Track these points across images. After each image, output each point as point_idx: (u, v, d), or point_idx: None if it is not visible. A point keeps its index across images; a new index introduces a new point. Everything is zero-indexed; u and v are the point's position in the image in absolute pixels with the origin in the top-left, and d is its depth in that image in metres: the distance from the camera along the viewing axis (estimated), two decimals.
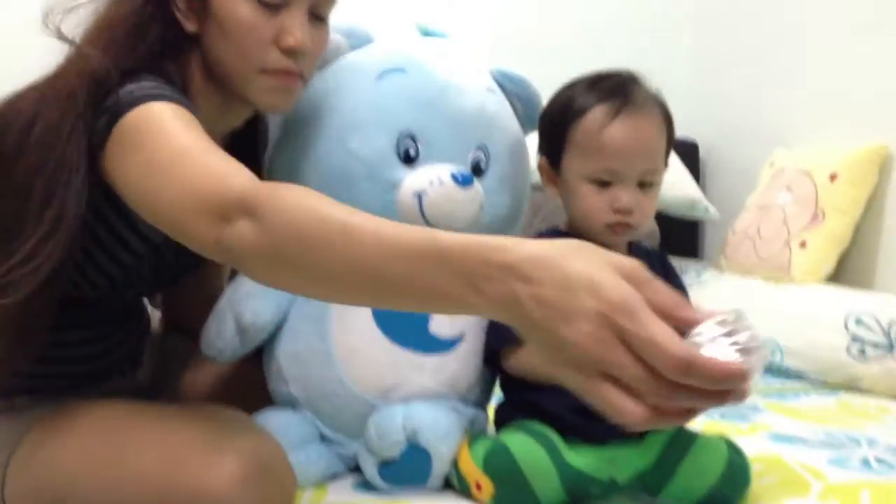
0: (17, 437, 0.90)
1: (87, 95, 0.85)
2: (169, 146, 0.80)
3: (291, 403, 1.07)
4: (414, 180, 1.06)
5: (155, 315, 1.25)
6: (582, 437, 1.01)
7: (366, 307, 1.02)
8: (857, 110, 2.16)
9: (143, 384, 1.13)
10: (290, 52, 0.96)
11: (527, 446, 0.98)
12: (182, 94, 0.91)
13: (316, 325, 1.06)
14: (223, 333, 1.05)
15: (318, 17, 0.99)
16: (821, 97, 2.28)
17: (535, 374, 1.02)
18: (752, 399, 1.66)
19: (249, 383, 1.11)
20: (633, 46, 2.46)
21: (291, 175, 1.10)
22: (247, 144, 1.11)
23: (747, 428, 1.46)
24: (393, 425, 1.00)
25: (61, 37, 0.91)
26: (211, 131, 0.86)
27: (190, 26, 0.95)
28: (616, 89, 1.06)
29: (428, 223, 1.05)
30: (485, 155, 1.12)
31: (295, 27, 0.95)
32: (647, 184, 1.06)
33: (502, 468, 0.96)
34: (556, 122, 1.09)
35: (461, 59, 1.17)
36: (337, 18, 1.06)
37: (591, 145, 1.05)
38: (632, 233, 1.07)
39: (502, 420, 1.09)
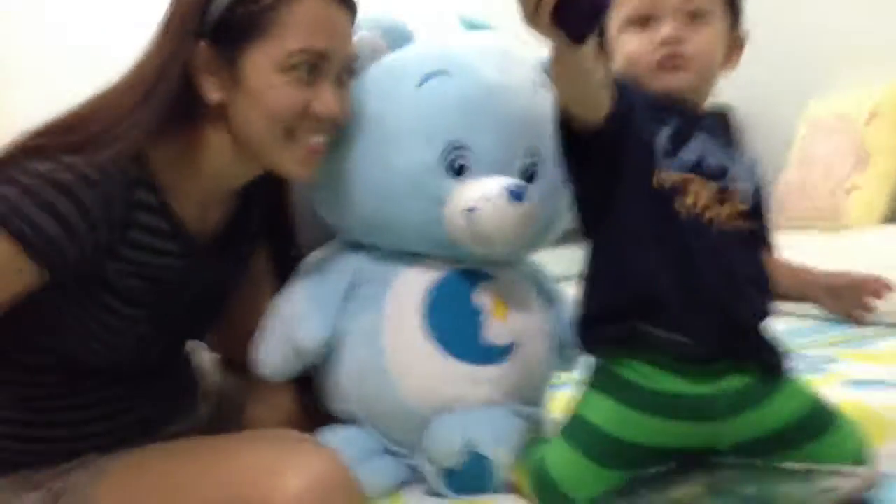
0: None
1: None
2: None
3: (353, 420, 1.07)
4: (464, 195, 1.01)
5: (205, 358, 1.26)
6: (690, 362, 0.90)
7: (416, 320, 1.02)
8: (885, 49, 2.11)
9: (203, 428, 1.15)
10: (322, 121, 0.97)
11: (568, 469, 0.93)
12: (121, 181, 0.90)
13: (368, 341, 1.04)
14: (280, 355, 1.04)
15: (341, 84, 1.00)
16: (850, 40, 2.23)
17: None
18: (824, 350, 1.62)
19: (308, 406, 1.12)
20: None
21: (335, 193, 1.07)
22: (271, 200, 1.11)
23: (822, 379, 1.42)
24: (450, 436, 0.99)
25: None
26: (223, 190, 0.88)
27: (214, 96, 0.95)
28: None
29: (479, 240, 1.01)
30: (537, 158, 1.06)
31: (327, 96, 0.96)
32: (695, 18, 0.95)
33: (548, 496, 0.93)
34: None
35: (507, 54, 1.10)
36: (375, 10, 1.05)
37: None
38: (690, 72, 0.95)
39: (593, 340, 0.97)
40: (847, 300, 0.99)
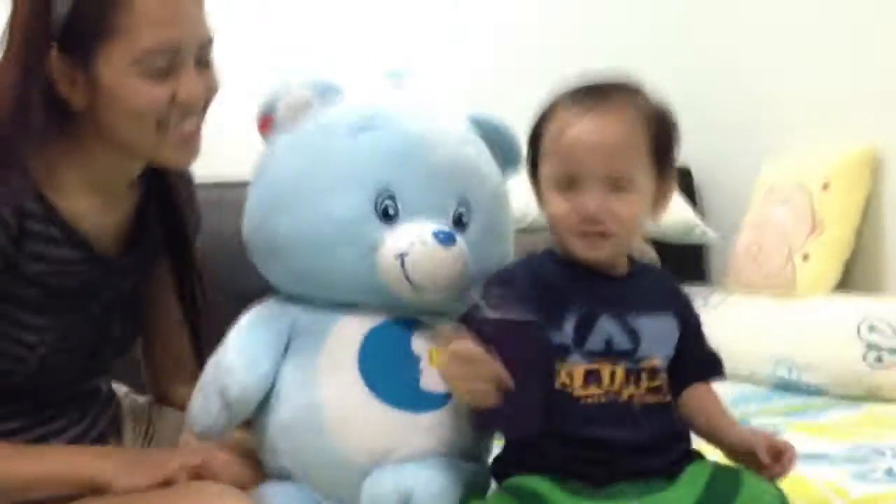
0: None
1: None
2: None
3: (286, 476, 1.04)
4: (395, 241, 1.03)
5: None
6: (589, 482, 0.96)
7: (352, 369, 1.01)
8: (842, 114, 2.14)
9: None
10: (188, 109, 0.96)
11: None
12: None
13: (303, 392, 1.03)
14: (209, 409, 1.02)
15: (203, 62, 1.00)
16: (804, 105, 2.26)
17: None
18: (773, 420, 1.62)
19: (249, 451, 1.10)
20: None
21: (272, 247, 1.09)
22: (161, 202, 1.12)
23: None
24: (385, 491, 0.96)
25: None
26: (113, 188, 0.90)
27: (78, 103, 0.94)
28: (592, 91, 1.01)
29: (412, 285, 1.03)
30: (466, 207, 1.09)
31: (190, 83, 0.96)
32: (620, 187, 0.97)
33: None
34: (534, 130, 1.04)
35: (435, 108, 1.16)
36: (306, 64, 1.06)
37: (554, 147, 0.99)
38: (611, 243, 0.99)
39: (503, 472, 1.05)
40: (752, 463, 0.98)
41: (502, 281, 0.99)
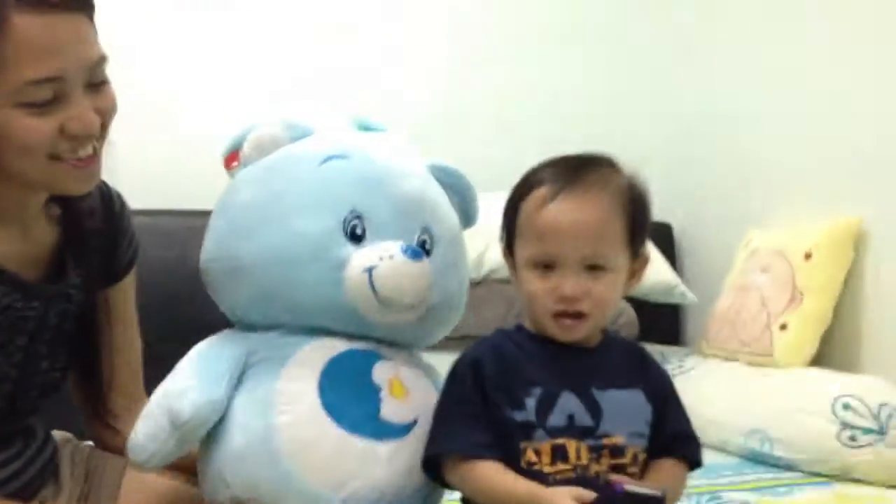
0: None
1: None
2: None
3: None
4: (363, 256, 1.05)
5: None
6: None
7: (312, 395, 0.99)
8: (830, 185, 2.14)
9: None
10: (81, 139, 0.93)
11: None
12: None
13: (259, 418, 1.00)
14: (156, 435, 0.99)
15: (96, 83, 0.96)
16: (793, 173, 2.26)
17: (502, 500, 0.95)
18: (742, 495, 1.58)
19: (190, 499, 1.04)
20: (600, 127, 2.44)
21: (236, 267, 1.07)
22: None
23: None
24: None
25: None
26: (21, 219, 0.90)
27: None
28: (568, 169, 1.02)
29: (378, 299, 1.03)
30: (430, 236, 1.11)
31: (80, 112, 0.92)
32: (597, 268, 0.98)
33: None
34: (509, 206, 1.05)
35: (400, 147, 1.18)
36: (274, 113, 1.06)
37: (530, 229, 1.00)
38: (587, 325, 1.00)
39: None
40: None
41: (470, 361, 1.01)
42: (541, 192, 1.00)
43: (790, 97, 2.26)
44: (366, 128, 1.20)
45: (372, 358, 1.06)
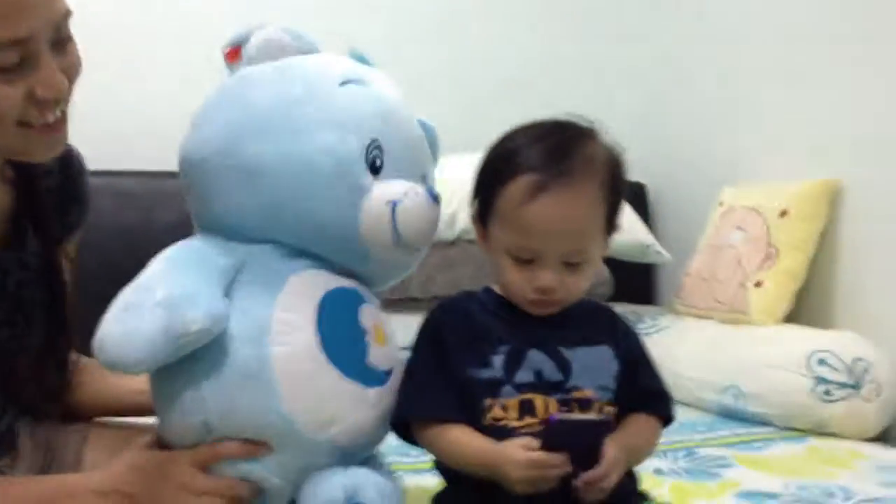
0: None
1: None
2: None
3: (199, 431, 0.97)
4: (388, 188, 1.01)
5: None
6: None
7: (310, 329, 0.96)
8: (805, 146, 2.12)
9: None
10: (50, 102, 0.90)
11: None
12: None
13: (253, 346, 0.95)
14: (147, 335, 0.89)
15: (61, 41, 0.92)
16: (768, 134, 2.25)
17: (467, 463, 0.95)
18: (719, 450, 1.58)
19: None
20: (577, 89, 2.42)
21: (248, 170, 1.00)
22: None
23: (716, 487, 1.37)
24: (333, 489, 0.96)
25: None
26: None
27: None
28: (553, 153, 0.98)
29: (397, 234, 1.00)
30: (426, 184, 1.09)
31: (47, 75, 0.88)
32: (576, 263, 0.98)
33: None
34: (488, 181, 1.02)
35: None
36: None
37: (512, 219, 0.98)
38: (560, 305, 1.01)
39: None
40: None
41: (435, 323, 1.03)
42: (525, 182, 0.96)
43: (767, 55, 2.24)
44: (362, 61, 1.14)
45: (357, 299, 1.04)
